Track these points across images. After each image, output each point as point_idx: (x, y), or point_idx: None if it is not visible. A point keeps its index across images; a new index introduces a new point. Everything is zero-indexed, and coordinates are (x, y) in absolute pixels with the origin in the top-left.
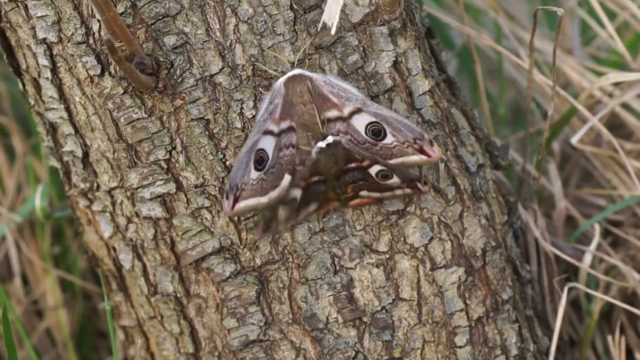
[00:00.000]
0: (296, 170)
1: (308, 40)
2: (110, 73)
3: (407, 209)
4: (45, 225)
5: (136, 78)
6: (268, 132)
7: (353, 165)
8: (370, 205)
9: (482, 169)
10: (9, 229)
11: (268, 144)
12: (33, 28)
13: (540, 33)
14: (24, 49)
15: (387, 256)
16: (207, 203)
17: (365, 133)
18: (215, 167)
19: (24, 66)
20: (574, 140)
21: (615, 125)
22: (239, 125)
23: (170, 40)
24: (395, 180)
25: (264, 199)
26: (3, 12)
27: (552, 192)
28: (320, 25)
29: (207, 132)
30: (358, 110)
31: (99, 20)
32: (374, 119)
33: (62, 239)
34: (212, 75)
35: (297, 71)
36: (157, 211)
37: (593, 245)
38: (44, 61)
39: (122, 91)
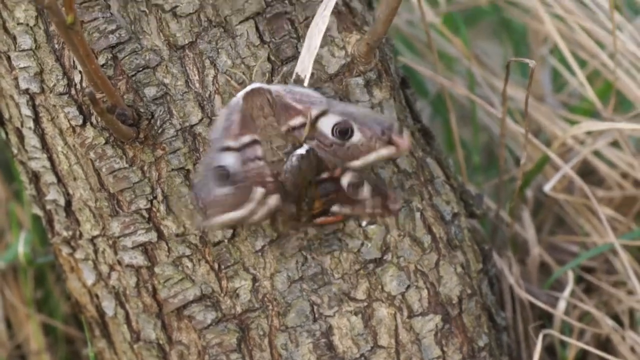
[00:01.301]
0: (267, 183)
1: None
2: (92, 123)
3: (384, 257)
4: (28, 270)
5: (118, 129)
6: (226, 149)
7: (325, 175)
8: (347, 253)
9: (457, 217)
10: None
11: (229, 160)
12: (16, 79)
13: (512, 80)
14: (7, 98)
15: (365, 304)
16: (188, 252)
17: (332, 135)
18: (195, 216)
19: (6, 116)
20: (547, 188)
21: (586, 172)
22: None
23: (150, 92)
24: (366, 192)
25: (238, 213)
26: None
27: (525, 238)
28: (293, 77)
29: (187, 182)
30: (324, 113)
31: (80, 72)
32: (340, 118)
33: (45, 284)
34: (192, 126)
35: (255, 85)
36: (139, 259)
37: (567, 292)
38: (26, 111)
39: (103, 141)
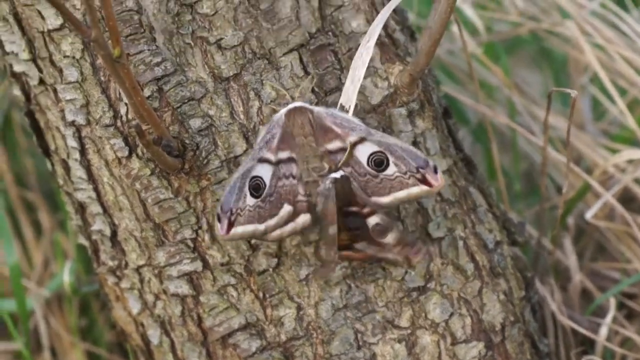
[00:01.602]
0: (296, 202)
1: (309, 82)
2: (137, 155)
3: (428, 285)
4: (73, 299)
5: (163, 160)
6: (264, 161)
7: (354, 209)
8: (391, 281)
9: (500, 245)
10: (38, 303)
11: (264, 172)
12: (62, 111)
13: (553, 109)
14: (53, 130)
15: (409, 331)
16: (233, 281)
17: (368, 164)
18: (240, 245)
19: (52, 147)
20: (588, 215)
21: (627, 199)
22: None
23: (195, 123)
24: (391, 238)
25: (261, 226)
26: (33, 94)
27: (567, 265)
28: (337, 107)
29: None
30: (362, 140)
31: (126, 104)
32: (377, 148)
33: (89, 312)
34: (236, 157)
35: (298, 103)
36: (185, 289)
37: (609, 318)
38: (72, 143)
39: (149, 172)
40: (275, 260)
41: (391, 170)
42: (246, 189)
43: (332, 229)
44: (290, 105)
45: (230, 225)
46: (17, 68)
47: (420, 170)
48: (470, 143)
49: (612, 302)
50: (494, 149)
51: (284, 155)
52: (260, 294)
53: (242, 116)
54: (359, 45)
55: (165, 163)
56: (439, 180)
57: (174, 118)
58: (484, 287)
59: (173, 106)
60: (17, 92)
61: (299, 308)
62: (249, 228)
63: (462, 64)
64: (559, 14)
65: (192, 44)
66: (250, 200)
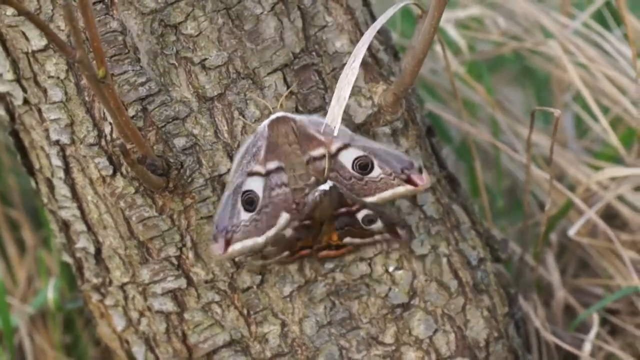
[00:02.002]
0: (292, 209)
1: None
2: (122, 173)
3: (412, 302)
4: (57, 315)
5: (148, 179)
6: (254, 174)
7: (344, 210)
8: (374, 298)
9: (483, 262)
10: (22, 320)
11: (256, 185)
12: (47, 130)
13: (535, 126)
14: (38, 149)
15: (393, 348)
16: (217, 297)
17: (353, 168)
18: (224, 263)
19: (37, 166)
20: (572, 232)
21: (610, 216)
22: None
23: (180, 142)
24: (379, 225)
25: (260, 239)
26: (17, 114)
27: (550, 281)
28: (323, 127)
29: None
30: (346, 146)
31: (110, 123)
32: (362, 153)
33: (73, 329)
34: (220, 175)
35: (280, 113)
36: (169, 306)
37: (592, 334)
38: (57, 162)
39: (133, 191)
40: (259, 277)
41: (376, 172)
42: (239, 205)
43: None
44: (273, 116)
45: (228, 243)
46: (1, 88)
47: (405, 171)
48: (454, 161)
49: (596, 318)
50: (477, 166)
51: (272, 165)
52: (245, 311)
53: (226, 135)
54: (342, 65)
55: (150, 182)
56: (424, 180)
57: (158, 137)
58: (467, 304)
59: (157, 125)
60: (1, 111)
61: (284, 325)
62: (248, 243)
63: (445, 82)
64: (541, 33)
65: (177, 64)
66: (245, 215)
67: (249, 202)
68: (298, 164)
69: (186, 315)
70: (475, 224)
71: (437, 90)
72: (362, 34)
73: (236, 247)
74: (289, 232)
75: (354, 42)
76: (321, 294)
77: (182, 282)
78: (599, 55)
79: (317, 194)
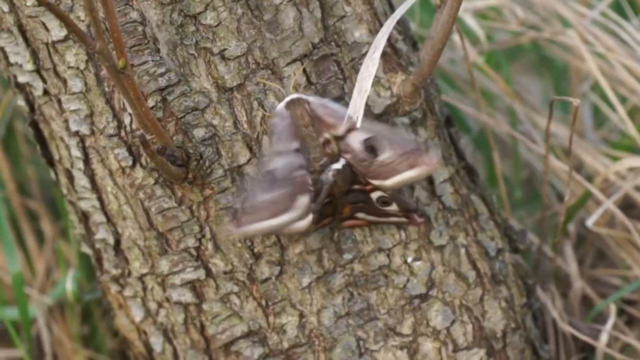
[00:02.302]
0: (309, 191)
1: (298, 71)
2: (141, 164)
3: (430, 292)
4: (75, 306)
5: (167, 170)
6: (280, 154)
7: (357, 187)
8: (393, 289)
9: (502, 253)
10: (41, 311)
11: (280, 164)
12: (66, 121)
13: (553, 117)
14: (57, 140)
15: (411, 339)
16: (235, 289)
17: (364, 150)
18: (243, 254)
19: (56, 157)
20: (589, 223)
21: (628, 206)
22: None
23: (199, 133)
24: (394, 207)
25: (276, 221)
26: (37, 105)
27: (567, 272)
28: (345, 118)
29: (236, 221)
30: (353, 129)
31: (130, 114)
32: (368, 135)
33: (91, 320)
34: (240, 166)
35: (294, 95)
36: (187, 297)
37: (609, 325)
38: (76, 153)
39: (153, 182)
40: (278, 268)
41: (386, 154)
42: (263, 184)
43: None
44: (287, 98)
45: (245, 223)
46: (21, 79)
47: (413, 153)
48: (471, 151)
49: (613, 309)
50: (495, 157)
51: (294, 146)
52: (263, 302)
53: (245, 126)
54: (361, 55)
55: (169, 172)
56: (433, 160)
57: (177, 128)
58: (485, 295)
59: (177, 116)
60: (21, 102)
61: (302, 315)
62: (264, 224)
63: (463, 72)
64: (559, 22)
65: (196, 54)
66: (264, 196)
67: (269, 182)
68: (313, 146)
69: (204, 306)
70: (494, 214)
71: (455, 80)
72: (380, 24)
73: (252, 227)
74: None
75: (372, 32)
76: (339, 284)
77: (201, 273)
78: (617, 44)
79: (330, 173)
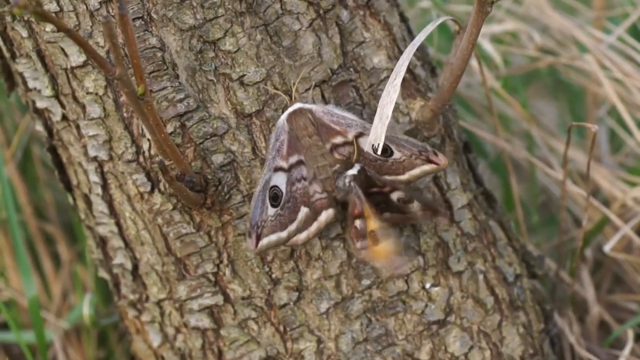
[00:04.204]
0: (315, 201)
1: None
2: (159, 190)
3: (448, 318)
4: (91, 330)
5: (186, 195)
6: (279, 169)
7: (374, 189)
8: (411, 314)
9: (520, 279)
10: (57, 334)
11: (280, 180)
12: (84, 146)
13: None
14: (75, 165)
15: None
16: (253, 314)
17: (374, 153)
18: (261, 279)
19: (74, 182)
20: (607, 248)
21: None
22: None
23: (218, 159)
24: (415, 207)
25: (283, 234)
26: (55, 130)
27: (584, 297)
28: (366, 145)
29: None
30: (361, 135)
31: (149, 140)
32: None
33: (107, 344)
34: None
35: (296, 105)
36: (205, 322)
37: (627, 350)
38: (95, 178)
39: (171, 207)
40: (296, 294)
41: (397, 154)
42: (267, 200)
43: (359, 223)
44: (290, 109)
45: (258, 238)
46: (40, 104)
47: (423, 153)
48: (488, 174)
49: (630, 334)
50: (513, 183)
51: (293, 159)
52: (281, 328)
53: (264, 152)
54: (380, 81)
55: (188, 198)
56: (442, 160)
57: (196, 154)
58: (503, 320)
59: (195, 142)
60: (39, 127)
61: (320, 341)
62: (273, 238)
63: (480, 96)
64: (576, 47)
65: (215, 80)
66: (271, 211)
67: (274, 197)
68: (321, 155)
69: (222, 332)
70: (512, 240)
71: (472, 105)
72: (399, 50)
73: (264, 242)
74: (327, 219)
75: (391, 58)
76: (357, 310)
77: (219, 299)
78: (634, 69)
79: (347, 179)
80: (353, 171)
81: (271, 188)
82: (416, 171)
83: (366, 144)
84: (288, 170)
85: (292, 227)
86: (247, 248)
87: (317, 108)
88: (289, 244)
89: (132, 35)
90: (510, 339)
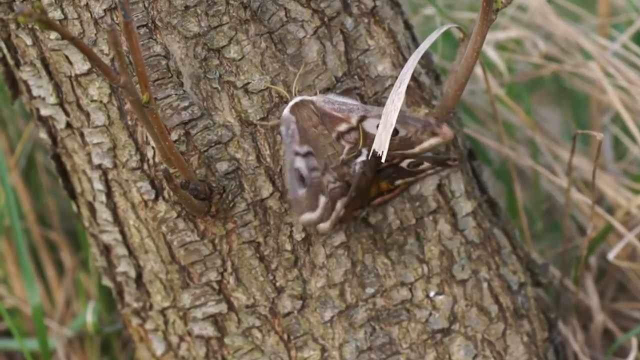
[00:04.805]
0: (331, 190)
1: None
2: (164, 198)
3: (452, 327)
4: (94, 338)
5: (190, 203)
6: (297, 154)
7: (385, 164)
8: (415, 323)
9: (524, 287)
10: (60, 342)
11: (301, 165)
12: (89, 154)
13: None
14: (79, 173)
15: None
16: (257, 322)
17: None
18: (265, 287)
19: (78, 190)
20: (611, 256)
21: None
22: (288, 247)
23: (222, 167)
24: (425, 165)
25: (313, 215)
26: (59, 138)
27: (588, 305)
28: (370, 153)
29: (257, 255)
30: (364, 118)
31: (153, 147)
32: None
33: (110, 352)
34: (262, 200)
35: (297, 98)
36: (209, 330)
37: (631, 358)
38: (99, 186)
39: (175, 215)
40: (300, 302)
41: (403, 132)
42: (297, 180)
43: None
44: (291, 102)
45: (301, 213)
46: (44, 112)
47: (428, 127)
48: (492, 181)
49: (634, 342)
50: (517, 191)
51: (304, 149)
52: (285, 336)
53: (268, 159)
54: (385, 88)
55: (192, 206)
56: (446, 130)
57: (200, 161)
58: (507, 329)
59: (200, 150)
60: (43, 135)
61: (324, 350)
62: (306, 217)
63: (484, 104)
64: (580, 55)
65: (219, 88)
66: (302, 191)
67: (300, 178)
68: (329, 144)
69: (226, 340)
70: (516, 248)
71: (476, 112)
72: (404, 58)
73: (304, 218)
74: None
75: (396, 65)
76: (362, 319)
77: (223, 307)
78: (639, 77)
79: (357, 167)
80: (362, 157)
81: (295, 169)
82: (425, 145)
83: (372, 126)
84: (304, 157)
85: (317, 212)
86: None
87: (318, 98)
88: (319, 229)
89: (137, 43)
90: (514, 348)
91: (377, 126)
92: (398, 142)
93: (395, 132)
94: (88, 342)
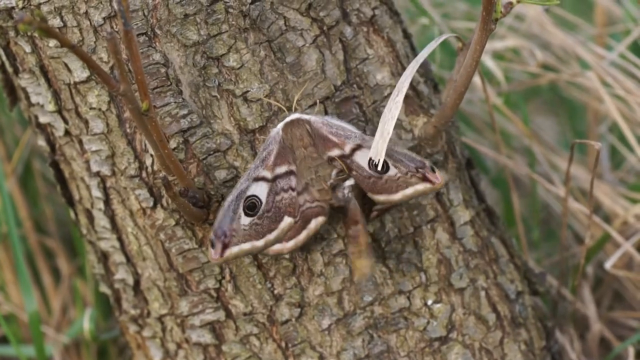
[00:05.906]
0: (306, 210)
1: (301, 88)
2: (162, 205)
3: (450, 335)
4: (91, 345)
5: (188, 211)
6: (260, 179)
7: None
8: (413, 331)
9: (521, 295)
10: (57, 349)
11: (260, 190)
12: (87, 162)
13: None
14: (78, 181)
15: None
16: (255, 330)
17: (369, 168)
18: (263, 295)
19: (77, 197)
20: (608, 265)
21: None
22: (286, 255)
23: (221, 175)
24: (409, 192)
25: (259, 243)
26: (58, 145)
27: (585, 314)
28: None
29: (255, 262)
30: (359, 147)
31: (152, 155)
32: None
33: (107, 358)
34: None
35: (294, 116)
36: (207, 338)
37: None
38: (97, 193)
39: (173, 223)
40: (298, 310)
41: (392, 172)
42: (240, 210)
43: (354, 230)
44: (287, 119)
45: (225, 247)
46: (43, 119)
47: (420, 170)
48: (489, 190)
49: (631, 351)
50: (515, 200)
51: (281, 170)
52: (283, 344)
53: None
54: (383, 97)
55: (191, 214)
56: (438, 178)
57: (199, 169)
58: (505, 338)
59: (199, 158)
60: (41, 142)
61: (321, 358)
62: (246, 246)
63: (481, 113)
64: (578, 64)
65: (218, 96)
66: (245, 220)
67: (251, 207)
68: (316, 166)
69: (224, 348)
70: (514, 257)
71: (473, 121)
72: (403, 67)
73: (233, 250)
74: (317, 226)
75: (395, 74)
76: (359, 327)
77: (221, 315)
78: (636, 86)
79: (345, 190)
80: (351, 182)
81: (248, 198)
82: (409, 191)
83: (364, 157)
84: (272, 181)
85: (271, 236)
86: (210, 259)
87: (316, 119)
88: (272, 252)
89: (137, 51)
90: (512, 356)
91: (369, 159)
92: (384, 182)
93: (386, 168)
94: (85, 348)
